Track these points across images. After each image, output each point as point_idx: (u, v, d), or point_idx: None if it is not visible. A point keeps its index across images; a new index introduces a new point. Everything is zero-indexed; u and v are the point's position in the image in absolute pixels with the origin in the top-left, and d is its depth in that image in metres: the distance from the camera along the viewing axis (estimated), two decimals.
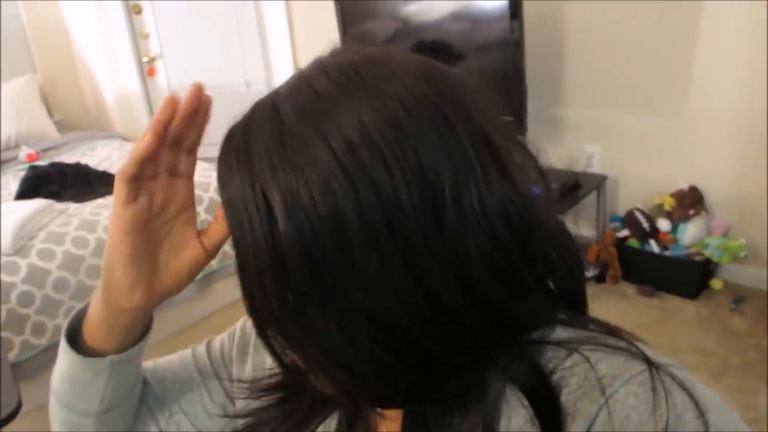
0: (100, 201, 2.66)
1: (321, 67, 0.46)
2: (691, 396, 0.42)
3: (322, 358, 0.45)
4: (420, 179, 0.40)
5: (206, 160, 3.30)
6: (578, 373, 0.45)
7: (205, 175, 2.86)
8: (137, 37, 3.79)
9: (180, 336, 2.69)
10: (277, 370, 0.61)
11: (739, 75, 2.38)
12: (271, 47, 3.82)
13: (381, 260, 0.40)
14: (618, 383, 0.43)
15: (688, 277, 2.54)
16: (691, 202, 2.54)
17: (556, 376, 0.45)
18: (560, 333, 0.48)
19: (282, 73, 3.84)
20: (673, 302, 2.55)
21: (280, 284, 0.42)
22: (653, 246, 2.59)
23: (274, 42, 3.79)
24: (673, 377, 0.43)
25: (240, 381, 0.67)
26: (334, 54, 0.47)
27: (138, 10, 3.73)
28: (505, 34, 2.52)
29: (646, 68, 2.61)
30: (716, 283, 2.58)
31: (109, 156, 3.37)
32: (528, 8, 2.47)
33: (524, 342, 0.47)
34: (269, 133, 0.43)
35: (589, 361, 0.45)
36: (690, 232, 2.53)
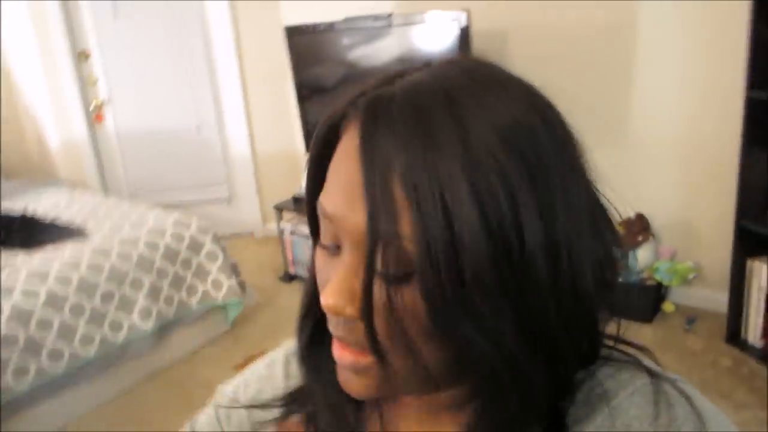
0: (49, 251, 2.57)
1: (475, 63, 0.45)
2: (693, 408, 0.43)
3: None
4: (568, 205, 0.42)
5: (161, 205, 3.23)
6: (584, 388, 0.46)
7: (161, 221, 2.81)
8: (85, 83, 3.73)
9: (137, 390, 2.60)
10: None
11: (677, 102, 2.53)
12: (222, 91, 3.82)
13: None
14: (622, 395, 0.45)
15: (643, 302, 2.63)
16: (639, 229, 2.64)
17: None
18: None
19: (233, 118, 3.84)
20: (630, 327, 2.57)
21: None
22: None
23: (225, 86, 3.80)
24: (676, 390, 0.45)
25: None
26: (475, 59, 0.47)
27: (86, 56, 3.69)
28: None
29: (588, 101, 2.73)
30: (668, 306, 2.68)
31: (56, 204, 3.26)
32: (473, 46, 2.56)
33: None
34: (446, 118, 0.39)
35: (595, 376, 0.46)
36: (640, 258, 2.62)
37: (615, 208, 0.49)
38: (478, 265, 0.38)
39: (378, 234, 0.39)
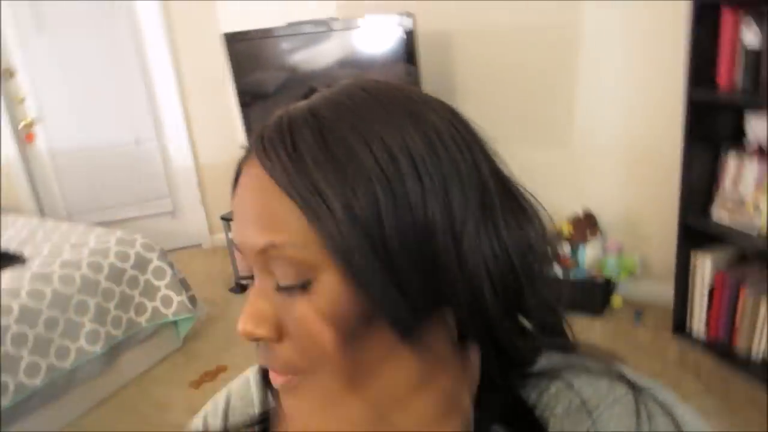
0: None
1: (355, 84, 0.47)
2: (673, 418, 0.44)
3: None
4: (446, 205, 0.43)
5: (102, 224, 3.13)
6: (563, 400, 0.46)
7: (103, 240, 2.71)
8: (12, 101, 3.56)
9: (88, 416, 2.50)
10: None
11: (621, 101, 2.60)
12: (160, 102, 3.72)
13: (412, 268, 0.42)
14: (602, 407, 0.45)
15: (592, 297, 2.69)
16: (587, 225, 2.71)
17: (541, 405, 0.47)
18: (542, 360, 0.49)
19: (173, 129, 3.74)
20: (581, 322, 2.68)
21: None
22: (557, 271, 2.71)
23: (163, 97, 3.70)
24: (656, 399, 0.45)
25: None
26: (362, 79, 0.49)
27: (11, 74, 3.51)
28: (400, 78, 2.60)
29: (534, 104, 2.79)
30: (617, 300, 2.75)
31: None
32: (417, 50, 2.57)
33: (509, 376, 0.48)
34: (309, 132, 0.43)
35: (572, 387, 0.47)
36: (588, 254, 2.69)
37: (542, 206, 0.50)
38: (360, 257, 0.41)
39: (271, 244, 0.43)
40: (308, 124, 0.44)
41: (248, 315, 0.45)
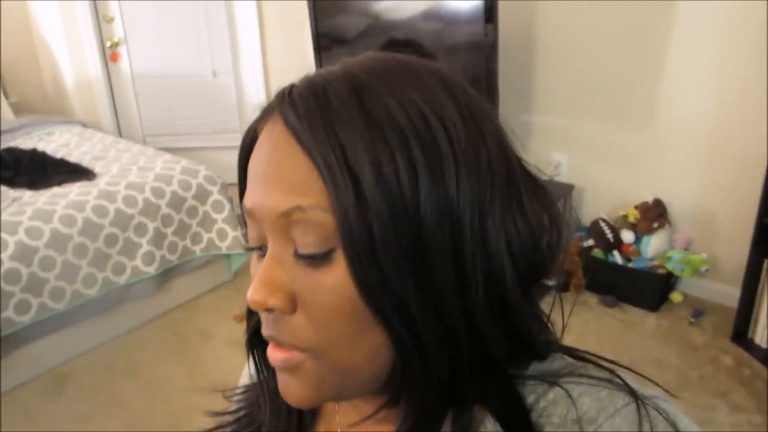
0: (56, 190, 2.57)
1: (384, 54, 0.46)
2: (676, 429, 0.42)
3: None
4: (476, 178, 0.42)
5: (169, 150, 3.22)
6: (561, 408, 0.44)
7: (169, 168, 2.78)
8: (101, 20, 3.66)
9: (135, 333, 2.62)
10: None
11: (710, 90, 2.42)
12: (240, 37, 3.74)
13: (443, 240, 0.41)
14: (603, 417, 0.42)
15: (650, 290, 2.57)
16: (655, 214, 2.57)
17: (538, 410, 0.45)
18: (543, 364, 0.48)
19: (250, 65, 3.77)
20: (634, 314, 2.58)
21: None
22: (617, 257, 2.61)
23: (243, 32, 3.72)
24: (659, 410, 0.43)
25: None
26: (387, 52, 0.47)
27: None
28: (478, 37, 2.51)
29: (617, 79, 2.63)
30: (676, 296, 2.62)
31: (67, 142, 3.25)
32: (500, 12, 2.46)
33: (510, 375, 0.47)
34: (345, 89, 0.42)
35: (570, 396, 0.44)
36: (653, 244, 2.56)
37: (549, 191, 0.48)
38: (381, 227, 0.39)
39: (297, 206, 0.40)
40: (344, 82, 0.42)
41: (261, 283, 0.42)
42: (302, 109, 0.41)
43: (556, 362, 0.48)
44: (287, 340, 0.43)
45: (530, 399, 0.45)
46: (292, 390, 0.45)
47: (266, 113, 0.46)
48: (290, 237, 0.42)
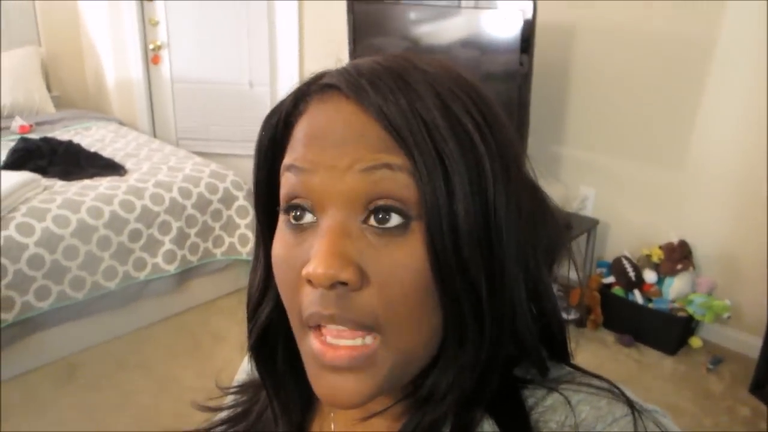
0: (87, 182, 2.62)
1: (412, 54, 0.46)
2: None
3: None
4: (503, 181, 0.42)
5: (201, 154, 3.26)
6: (559, 414, 0.44)
7: (198, 170, 2.82)
8: (146, 23, 3.76)
9: (149, 330, 2.64)
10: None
11: (742, 135, 2.39)
12: (279, 52, 3.80)
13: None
14: (600, 426, 0.42)
15: (669, 332, 2.52)
16: (679, 256, 2.53)
17: (535, 414, 0.44)
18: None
19: (287, 77, 3.82)
20: (651, 355, 2.53)
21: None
22: (637, 296, 2.57)
23: (283, 46, 3.77)
24: (657, 424, 0.42)
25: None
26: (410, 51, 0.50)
27: None
28: (513, 66, 2.51)
29: (650, 117, 2.61)
30: (696, 341, 2.57)
31: (103, 138, 3.33)
32: (537, 42, 2.47)
33: (511, 377, 0.47)
34: (419, 75, 0.42)
35: (569, 403, 0.44)
36: (675, 287, 2.51)
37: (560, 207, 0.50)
38: (463, 199, 0.40)
39: (386, 164, 0.39)
40: (411, 66, 0.43)
41: (332, 255, 0.39)
42: (383, 84, 0.41)
43: (557, 370, 0.48)
44: (352, 318, 0.40)
45: (529, 403, 0.45)
46: (349, 389, 0.41)
47: (311, 94, 0.44)
48: (360, 203, 0.40)
